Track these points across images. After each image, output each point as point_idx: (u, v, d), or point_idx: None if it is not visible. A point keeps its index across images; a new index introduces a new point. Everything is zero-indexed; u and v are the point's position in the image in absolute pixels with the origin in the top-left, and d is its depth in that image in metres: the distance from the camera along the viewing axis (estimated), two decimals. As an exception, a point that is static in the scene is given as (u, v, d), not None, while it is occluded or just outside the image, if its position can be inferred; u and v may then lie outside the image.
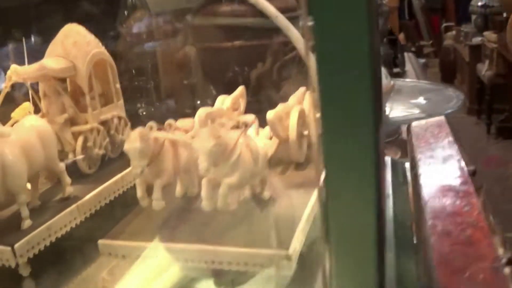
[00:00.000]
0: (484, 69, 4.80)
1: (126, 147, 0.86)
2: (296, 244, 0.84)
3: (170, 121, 0.96)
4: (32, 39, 1.69)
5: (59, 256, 1.06)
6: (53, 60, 1.16)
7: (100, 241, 0.91)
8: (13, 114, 1.34)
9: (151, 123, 0.93)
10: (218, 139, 0.83)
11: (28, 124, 1.05)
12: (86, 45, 1.20)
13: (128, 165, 1.22)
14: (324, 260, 0.90)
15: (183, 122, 1.00)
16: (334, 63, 0.54)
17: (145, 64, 1.76)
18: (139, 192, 0.91)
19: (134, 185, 1.23)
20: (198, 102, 1.69)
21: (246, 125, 0.91)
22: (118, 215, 1.18)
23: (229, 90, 1.25)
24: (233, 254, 0.83)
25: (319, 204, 0.64)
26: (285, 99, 1.31)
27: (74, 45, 1.19)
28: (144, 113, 1.78)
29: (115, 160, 1.31)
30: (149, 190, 0.95)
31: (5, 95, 1.34)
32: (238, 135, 0.89)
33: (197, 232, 0.89)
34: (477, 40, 5.10)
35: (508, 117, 4.74)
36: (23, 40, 1.23)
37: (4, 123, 1.24)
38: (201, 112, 1.08)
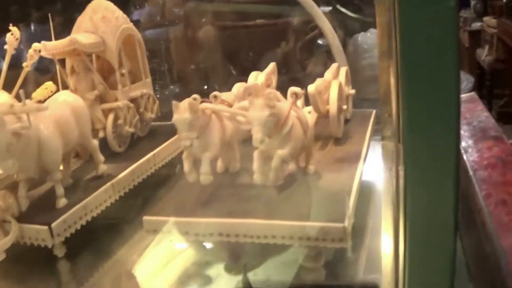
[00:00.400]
0: (484, 55, 4.78)
1: (175, 118, 0.83)
2: (350, 217, 0.82)
3: (215, 93, 0.93)
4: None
5: (92, 235, 1.04)
6: (82, 35, 1.13)
7: (145, 218, 0.88)
8: (34, 95, 1.30)
9: (195, 96, 0.90)
10: (272, 109, 0.81)
11: (62, 99, 1.02)
12: (115, 21, 1.17)
13: (157, 144, 1.20)
14: (388, 237, 0.89)
15: (225, 95, 0.97)
16: (418, 33, 0.52)
17: (159, 46, 1.73)
18: (187, 167, 0.87)
19: (165, 163, 1.22)
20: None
21: (296, 96, 0.89)
22: (150, 193, 1.16)
23: (248, 71, 1.22)
24: (287, 229, 0.80)
25: (394, 180, 0.62)
26: (310, 76, 1.29)
27: (103, 20, 1.15)
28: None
29: (142, 139, 1.29)
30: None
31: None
32: (289, 106, 0.86)
33: (246, 207, 0.86)
34: (476, 25, 5.07)
35: (508, 102, 4.73)
36: (49, 16, 1.19)
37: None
38: (239, 86, 1.06)
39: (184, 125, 0.83)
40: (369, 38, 1.84)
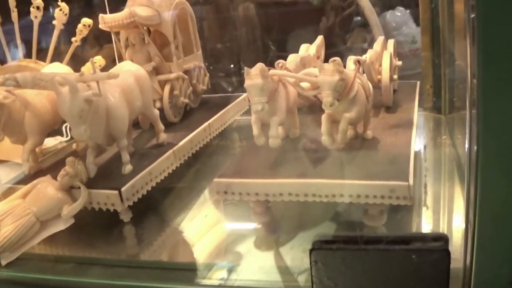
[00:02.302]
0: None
1: (248, 83, 0.86)
2: (413, 176, 0.85)
3: (280, 61, 0.96)
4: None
5: (154, 201, 1.07)
6: (140, 8, 1.15)
7: (216, 180, 0.91)
8: (83, 69, 1.34)
9: (260, 63, 0.93)
10: (341, 74, 0.84)
11: (126, 69, 1.05)
12: (169, -6, 1.20)
13: (209, 115, 1.24)
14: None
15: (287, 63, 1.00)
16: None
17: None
18: (256, 131, 0.90)
19: (220, 133, 1.26)
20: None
21: (359, 62, 0.92)
22: (206, 160, 1.20)
23: (287, 47, 1.25)
24: (355, 187, 0.83)
25: (468, 147, 0.64)
26: (350, 50, 1.31)
27: (158, -6, 1.18)
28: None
29: (194, 110, 1.32)
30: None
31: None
32: (354, 71, 0.90)
33: (313, 168, 0.90)
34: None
35: None
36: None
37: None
38: (294, 57, 1.09)
39: (256, 90, 0.86)
40: (397, 16, 1.86)
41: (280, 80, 0.93)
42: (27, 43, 1.40)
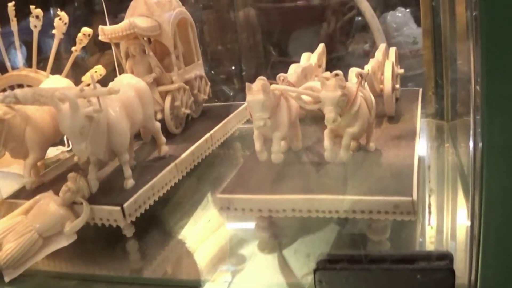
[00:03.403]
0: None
1: (249, 99, 0.85)
2: (416, 190, 0.84)
3: (282, 75, 0.96)
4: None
5: (157, 214, 1.07)
6: (140, 19, 1.15)
7: (219, 196, 0.91)
8: (84, 78, 1.33)
9: (262, 77, 0.93)
10: (344, 89, 0.83)
11: (126, 82, 1.04)
12: (169, 4, 1.19)
13: (210, 125, 1.23)
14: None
15: (288, 76, 1.00)
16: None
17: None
18: (258, 146, 0.90)
19: (222, 143, 1.25)
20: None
21: (362, 76, 0.91)
22: (207, 172, 1.19)
23: (288, 51, 1.25)
24: (359, 203, 0.83)
25: (472, 157, 0.64)
26: (352, 55, 1.30)
27: (158, 4, 1.18)
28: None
29: (195, 120, 1.32)
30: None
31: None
32: (356, 86, 0.89)
33: (316, 183, 0.89)
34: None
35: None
36: (103, 3, 1.21)
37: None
38: (296, 67, 1.08)
39: (258, 105, 0.85)
40: (397, 17, 1.85)
41: (282, 94, 0.92)
42: (27, 44, 1.40)
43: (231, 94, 1.71)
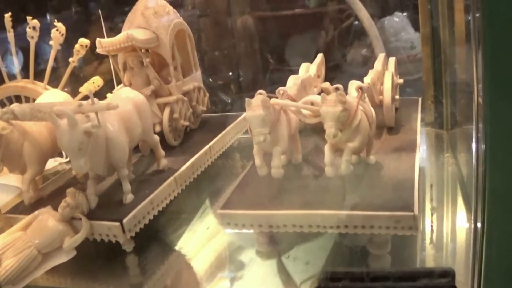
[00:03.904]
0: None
1: (249, 114, 0.85)
2: (418, 205, 0.84)
3: (281, 88, 0.95)
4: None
5: (157, 229, 1.06)
6: (137, 31, 1.14)
7: (219, 211, 0.90)
8: (81, 89, 1.33)
9: (261, 91, 0.92)
10: (344, 104, 0.83)
11: (124, 96, 1.04)
12: (166, 15, 1.18)
13: (209, 136, 1.23)
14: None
15: (288, 89, 0.99)
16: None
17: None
18: (258, 161, 0.90)
19: (221, 154, 1.24)
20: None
21: (362, 90, 0.91)
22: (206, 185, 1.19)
23: (286, 60, 1.24)
24: (360, 218, 0.83)
25: (475, 163, 0.63)
26: (351, 63, 1.30)
27: (155, 16, 1.17)
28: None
29: (194, 131, 1.31)
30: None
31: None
32: (357, 100, 0.89)
33: (317, 198, 0.89)
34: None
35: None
36: (100, 12, 1.20)
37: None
38: (295, 79, 1.08)
39: (257, 121, 0.85)
40: (395, 22, 1.85)
41: (282, 108, 0.92)
42: (24, 50, 1.39)
43: (229, 101, 1.70)
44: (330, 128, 0.82)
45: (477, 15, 0.56)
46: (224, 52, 1.72)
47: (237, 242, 1.00)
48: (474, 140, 0.63)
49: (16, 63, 1.40)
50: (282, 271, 0.88)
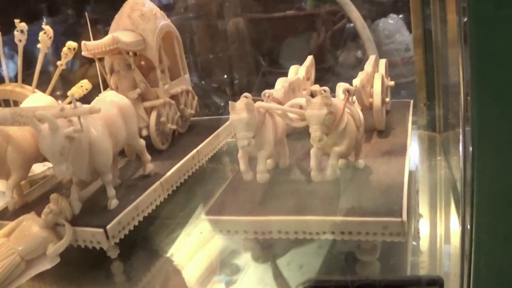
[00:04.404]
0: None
1: (233, 118, 0.83)
2: (406, 210, 0.82)
3: (267, 91, 0.93)
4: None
5: (142, 234, 1.05)
6: (123, 33, 1.12)
7: (204, 217, 0.88)
8: (69, 93, 1.31)
9: (246, 94, 0.90)
10: (330, 107, 0.81)
11: (109, 100, 1.02)
12: (153, 18, 1.17)
13: (197, 140, 1.21)
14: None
15: (274, 92, 0.97)
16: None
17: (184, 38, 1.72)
18: (243, 166, 0.88)
19: (210, 158, 1.23)
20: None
21: (349, 92, 0.89)
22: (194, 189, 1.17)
23: (277, 62, 1.23)
24: (347, 225, 0.81)
25: (463, 166, 0.62)
26: (342, 66, 1.28)
27: (142, 18, 1.15)
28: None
29: (182, 135, 1.29)
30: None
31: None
32: (343, 103, 0.87)
33: (303, 204, 0.87)
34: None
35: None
36: (86, 16, 1.19)
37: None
38: (282, 81, 1.06)
39: (241, 124, 0.83)
40: (390, 24, 1.83)
41: (267, 111, 0.90)
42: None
43: (222, 104, 1.69)
44: (315, 132, 0.80)
45: (464, 17, 0.54)
46: (217, 54, 1.70)
47: (228, 247, 0.98)
48: (461, 142, 0.61)
49: (4, 67, 1.38)
50: (278, 275, 0.87)
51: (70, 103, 1.19)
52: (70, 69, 1.53)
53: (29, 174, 1.18)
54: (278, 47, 1.54)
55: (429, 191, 1.07)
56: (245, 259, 0.92)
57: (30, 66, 1.35)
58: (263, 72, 1.54)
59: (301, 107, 0.91)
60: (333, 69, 1.47)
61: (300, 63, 1.23)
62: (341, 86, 0.93)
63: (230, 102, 0.85)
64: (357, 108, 0.93)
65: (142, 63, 1.24)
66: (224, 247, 0.98)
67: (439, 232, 0.96)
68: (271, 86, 1.05)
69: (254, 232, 0.86)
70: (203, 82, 1.73)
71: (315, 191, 0.90)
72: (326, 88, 0.86)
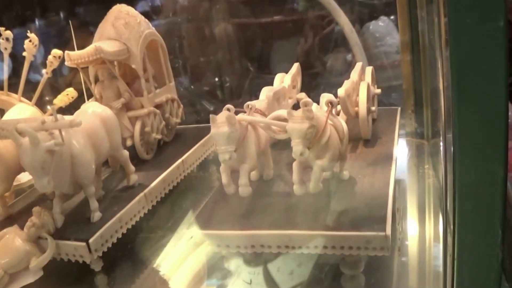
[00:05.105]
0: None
1: (213, 131, 0.82)
2: (390, 224, 0.81)
3: (249, 103, 0.92)
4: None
5: (126, 246, 1.04)
6: (106, 43, 1.11)
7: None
8: (55, 101, 1.30)
9: (229, 106, 0.89)
10: (311, 120, 0.80)
11: (91, 111, 1.01)
12: (137, 26, 1.15)
13: (183, 149, 1.20)
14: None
15: (257, 103, 0.96)
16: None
17: (173, 43, 1.71)
18: (225, 179, 0.87)
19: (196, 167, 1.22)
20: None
21: (332, 104, 0.88)
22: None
23: (265, 67, 1.22)
24: (330, 239, 0.80)
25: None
26: (330, 72, 1.27)
27: (126, 27, 1.14)
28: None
29: (167, 144, 1.28)
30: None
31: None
32: (326, 115, 0.86)
33: (286, 217, 0.86)
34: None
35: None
36: (70, 23, 1.17)
37: (44, 111, 1.20)
38: (267, 90, 1.05)
39: (223, 138, 0.82)
40: (380, 27, 1.82)
41: (250, 124, 0.89)
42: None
43: (212, 109, 1.68)
44: (297, 146, 0.79)
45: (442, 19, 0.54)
46: (208, 58, 1.69)
47: (214, 255, 0.97)
48: (441, 148, 0.61)
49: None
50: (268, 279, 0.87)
51: (57, 111, 1.18)
52: (58, 75, 1.51)
53: (16, 183, 1.17)
54: (267, 52, 1.53)
55: (416, 201, 1.06)
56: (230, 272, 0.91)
57: (19, 72, 1.34)
58: (251, 78, 1.53)
59: (284, 119, 0.90)
60: (322, 75, 1.46)
61: (290, 67, 1.23)
62: (324, 97, 0.92)
63: (211, 115, 0.84)
64: (341, 119, 0.91)
65: (127, 72, 1.22)
66: (212, 255, 0.97)
67: (429, 243, 0.95)
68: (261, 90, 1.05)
69: (236, 246, 0.85)
70: (192, 86, 1.72)
71: (298, 204, 0.89)
72: (308, 100, 0.84)
